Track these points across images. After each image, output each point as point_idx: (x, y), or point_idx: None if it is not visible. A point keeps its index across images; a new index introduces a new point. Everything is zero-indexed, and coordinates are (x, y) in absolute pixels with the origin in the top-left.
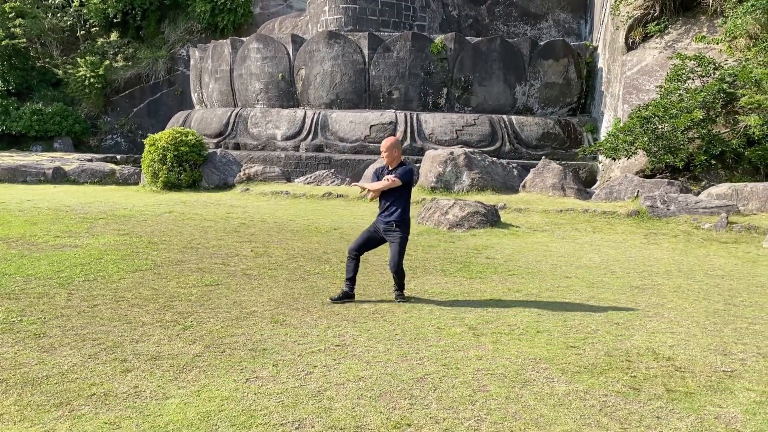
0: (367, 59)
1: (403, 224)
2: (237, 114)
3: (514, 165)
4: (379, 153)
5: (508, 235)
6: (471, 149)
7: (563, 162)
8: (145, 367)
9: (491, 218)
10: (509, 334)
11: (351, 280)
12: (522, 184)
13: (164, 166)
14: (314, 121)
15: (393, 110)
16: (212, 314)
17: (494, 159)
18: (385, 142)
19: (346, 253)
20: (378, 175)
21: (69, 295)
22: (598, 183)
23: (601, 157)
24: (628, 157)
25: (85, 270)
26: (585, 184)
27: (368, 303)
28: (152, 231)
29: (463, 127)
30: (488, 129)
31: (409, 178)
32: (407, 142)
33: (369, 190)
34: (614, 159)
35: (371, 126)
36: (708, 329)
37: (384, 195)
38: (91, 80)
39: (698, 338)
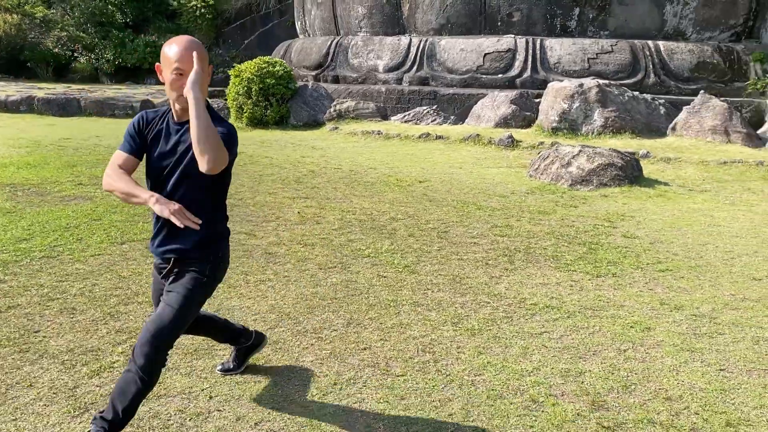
0: None
1: (209, 251)
2: (337, 43)
3: (661, 101)
4: (491, 86)
5: (653, 197)
6: (606, 81)
7: (722, 99)
8: None
9: (630, 173)
10: None
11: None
12: (671, 125)
13: (249, 101)
14: (420, 49)
15: (512, 35)
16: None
17: (635, 93)
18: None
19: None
20: (142, 136)
21: None
22: (767, 126)
23: None
24: None
25: (47, 240)
26: (751, 126)
27: None
28: None
29: (596, 54)
30: (628, 57)
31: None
32: (527, 74)
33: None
34: None
35: (485, 54)
36: None
37: (162, 184)
38: (202, 11)
39: None
